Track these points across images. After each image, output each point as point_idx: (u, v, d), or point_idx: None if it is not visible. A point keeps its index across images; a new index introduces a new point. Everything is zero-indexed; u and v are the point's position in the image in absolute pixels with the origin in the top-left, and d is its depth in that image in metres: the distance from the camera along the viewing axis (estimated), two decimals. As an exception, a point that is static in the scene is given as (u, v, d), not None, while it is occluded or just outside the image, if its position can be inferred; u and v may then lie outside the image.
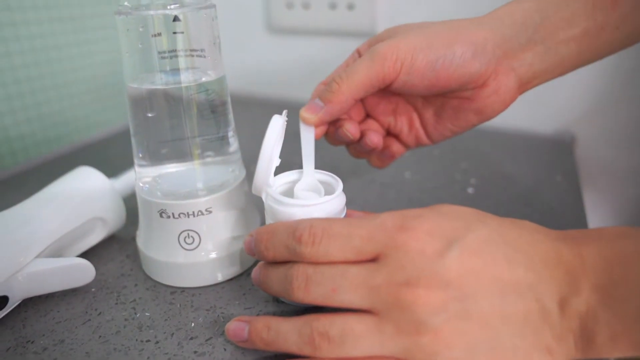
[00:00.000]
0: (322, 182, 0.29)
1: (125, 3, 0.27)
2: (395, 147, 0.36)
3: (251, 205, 0.34)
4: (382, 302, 0.21)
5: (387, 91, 0.32)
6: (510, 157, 0.50)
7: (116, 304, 0.30)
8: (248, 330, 0.24)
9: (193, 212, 0.29)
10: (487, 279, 0.21)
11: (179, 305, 0.29)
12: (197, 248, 0.30)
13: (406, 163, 0.49)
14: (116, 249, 0.35)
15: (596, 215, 0.59)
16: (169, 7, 0.26)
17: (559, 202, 0.41)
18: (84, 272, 0.30)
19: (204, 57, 0.28)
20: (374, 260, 0.22)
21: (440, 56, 0.29)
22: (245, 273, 0.32)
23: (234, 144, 0.32)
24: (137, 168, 0.31)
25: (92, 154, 0.55)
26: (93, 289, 0.31)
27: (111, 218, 0.34)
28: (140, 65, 0.28)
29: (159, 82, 0.28)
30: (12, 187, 0.46)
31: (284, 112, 0.28)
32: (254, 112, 0.67)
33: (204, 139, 0.30)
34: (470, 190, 0.43)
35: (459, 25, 0.30)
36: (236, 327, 0.25)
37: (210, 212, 0.30)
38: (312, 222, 0.23)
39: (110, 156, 0.54)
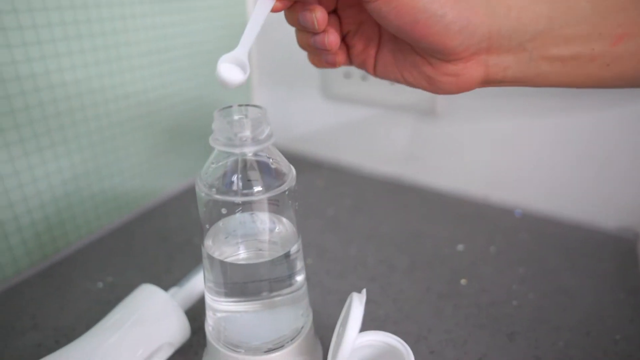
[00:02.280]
0: (386, 343, 0.29)
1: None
2: (341, 57, 0.35)
3: (316, 341, 0.35)
4: None
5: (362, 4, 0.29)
6: (569, 263, 0.49)
7: None
8: None
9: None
10: None
11: None
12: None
13: (462, 265, 0.48)
14: (180, 366, 0.37)
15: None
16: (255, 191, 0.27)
17: (622, 331, 0.40)
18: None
19: (286, 230, 0.29)
20: None
21: (428, 11, 0.27)
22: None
23: (302, 287, 0.33)
24: (206, 294, 0.32)
25: (150, 225, 0.57)
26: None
27: (177, 340, 0.36)
28: (222, 236, 0.29)
29: (241, 257, 0.28)
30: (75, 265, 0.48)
31: (363, 291, 0.28)
32: (304, 171, 0.68)
33: (276, 281, 0.30)
34: (527, 310, 0.42)
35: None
36: None
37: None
38: None
39: (169, 228, 0.55)
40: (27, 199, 0.47)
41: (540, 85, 0.31)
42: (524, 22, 0.28)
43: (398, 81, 0.34)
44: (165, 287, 0.46)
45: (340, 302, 0.37)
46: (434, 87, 0.32)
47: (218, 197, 0.26)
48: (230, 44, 0.27)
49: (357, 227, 0.56)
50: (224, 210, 0.27)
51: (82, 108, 0.49)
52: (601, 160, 0.54)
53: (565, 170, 0.56)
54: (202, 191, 0.27)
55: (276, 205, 0.28)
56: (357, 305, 0.27)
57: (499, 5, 0.28)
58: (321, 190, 0.65)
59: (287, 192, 0.28)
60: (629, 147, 0.52)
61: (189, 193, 0.65)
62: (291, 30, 0.34)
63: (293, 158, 0.73)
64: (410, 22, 0.28)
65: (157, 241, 0.53)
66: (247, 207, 0.27)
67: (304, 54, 0.36)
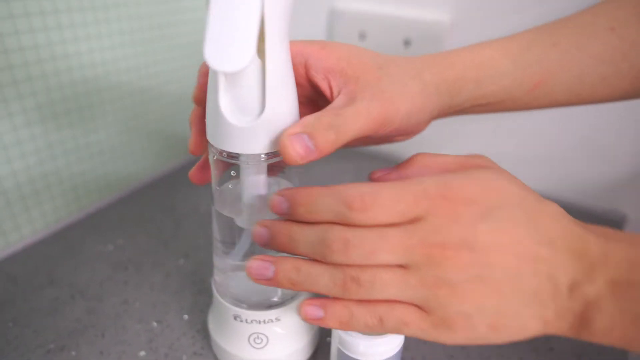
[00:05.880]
0: None
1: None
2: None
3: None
4: (413, 258, 0.24)
5: None
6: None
7: (191, 387, 0.34)
8: (274, 270, 0.26)
9: (264, 320, 0.33)
10: (510, 254, 0.24)
11: (245, 396, 0.33)
12: (265, 347, 0.33)
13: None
14: (186, 322, 0.40)
15: None
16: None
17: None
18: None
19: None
20: (411, 222, 0.24)
21: (412, 124, 0.31)
22: (303, 366, 0.36)
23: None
24: (214, 254, 0.34)
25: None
26: (170, 367, 0.35)
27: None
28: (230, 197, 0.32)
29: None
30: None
31: None
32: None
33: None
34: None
35: (424, 89, 0.32)
36: (259, 265, 0.26)
37: (279, 320, 0.33)
38: (361, 189, 0.24)
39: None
40: (43, 163, 0.49)
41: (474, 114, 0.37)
42: (458, 92, 0.33)
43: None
44: (173, 253, 0.49)
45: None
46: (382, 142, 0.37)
47: (225, 158, 0.28)
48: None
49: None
50: (232, 173, 0.29)
51: (111, 91, 0.51)
52: (590, 144, 0.56)
53: (555, 154, 0.58)
54: (212, 153, 0.29)
55: (283, 172, 0.30)
56: None
57: (439, 83, 0.32)
58: (322, 165, 0.67)
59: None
60: (617, 131, 0.54)
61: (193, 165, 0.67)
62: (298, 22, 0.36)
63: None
64: (400, 138, 0.34)
65: (164, 209, 0.56)
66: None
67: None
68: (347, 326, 0.26)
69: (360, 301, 0.25)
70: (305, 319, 0.27)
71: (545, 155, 0.59)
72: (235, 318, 0.33)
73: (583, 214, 0.57)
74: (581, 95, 0.35)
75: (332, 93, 0.30)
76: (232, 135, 0.26)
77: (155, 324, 0.39)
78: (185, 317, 0.40)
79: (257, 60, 0.25)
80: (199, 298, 0.42)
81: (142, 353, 0.36)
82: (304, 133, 0.25)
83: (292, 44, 0.29)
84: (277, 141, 0.26)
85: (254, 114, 0.26)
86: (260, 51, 0.24)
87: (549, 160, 0.59)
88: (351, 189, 0.24)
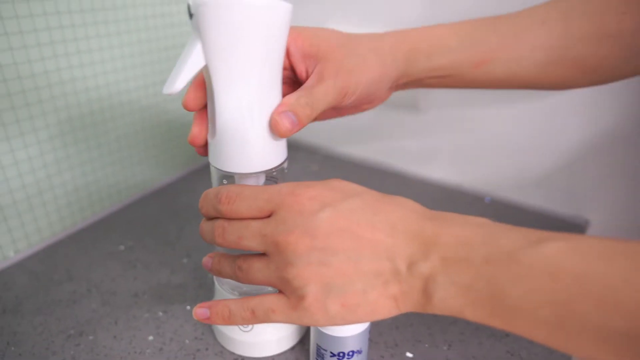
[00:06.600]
0: None
1: None
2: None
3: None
4: (268, 247, 0.28)
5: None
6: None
7: (192, 366, 0.39)
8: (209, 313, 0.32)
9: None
10: (349, 238, 0.27)
11: (239, 373, 0.39)
12: (251, 332, 0.39)
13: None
14: (189, 312, 0.45)
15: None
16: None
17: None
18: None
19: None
20: (268, 216, 0.29)
21: (373, 92, 0.38)
22: (290, 349, 0.41)
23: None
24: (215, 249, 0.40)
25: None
26: (175, 349, 0.41)
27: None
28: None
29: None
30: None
31: None
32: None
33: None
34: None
35: (382, 60, 0.37)
36: (200, 311, 0.33)
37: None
38: (229, 188, 0.31)
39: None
40: (62, 173, 0.55)
41: (429, 87, 0.42)
42: (413, 61, 0.39)
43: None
44: (177, 253, 0.54)
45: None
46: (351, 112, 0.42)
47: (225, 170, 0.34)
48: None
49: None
50: (224, 181, 0.35)
51: (122, 113, 0.57)
52: (558, 153, 0.62)
53: (527, 163, 0.64)
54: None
55: (273, 181, 0.36)
56: None
57: (395, 53, 0.38)
58: (315, 174, 0.73)
59: (285, 169, 0.36)
60: (584, 141, 0.59)
61: (196, 174, 0.73)
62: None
63: (292, 145, 0.81)
64: (366, 107, 0.41)
65: (168, 214, 0.61)
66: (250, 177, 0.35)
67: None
68: (229, 321, 0.31)
69: (237, 300, 0.31)
70: (198, 319, 0.33)
71: (511, 162, 0.65)
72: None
73: (548, 218, 0.62)
74: (520, 77, 0.40)
75: (307, 74, 0.36)
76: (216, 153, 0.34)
77: (161, 313, 0.45)
78: (188, 307, 0.46)
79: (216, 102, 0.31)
80: (200, 291, 0.48)
81: (151, 337, 0.42)
82: (289, 111, 0.32)
83: None
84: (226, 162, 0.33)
85: (212, 136, 0.33)
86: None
87: (520, 170, 0.65)
88: (224, 188, 0.31)
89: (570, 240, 0.23)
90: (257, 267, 0.30)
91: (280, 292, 0.29)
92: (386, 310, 0.27)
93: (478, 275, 0.24)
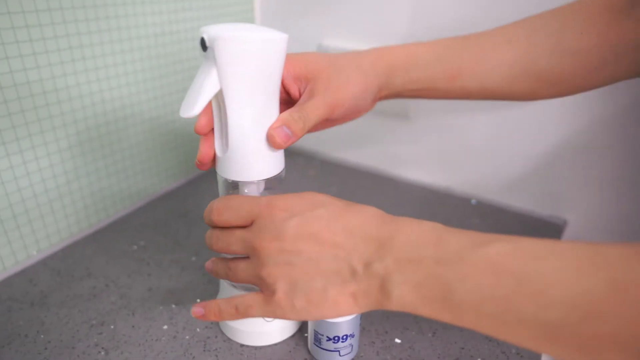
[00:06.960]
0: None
1: None
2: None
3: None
4: (249, 250, 0.33)
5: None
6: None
7: (204, 350, 0.44)
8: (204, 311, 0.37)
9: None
10: (312, 242, 0.30)
11: (246, 356, 0.43)
12: (257, 323, 0.44)
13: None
14: (200, 304, 0.50)
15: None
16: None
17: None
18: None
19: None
20: (250, 224, 0.34)
21: (359, 104, 0.42)
22: (290, 337, 0.46)
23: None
24: None
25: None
26: (187, 337, 0.46)
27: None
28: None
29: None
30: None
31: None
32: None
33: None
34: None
35: (365, 76, 0.42)
36: (196, 310, 0.37)
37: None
38: (219, 201, 0.35)
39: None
40: (79, 179, 0.60)
41: (409, 98, 0.46)
42: (393, 74, 0.43)
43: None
44: (186, 252, 0.59)
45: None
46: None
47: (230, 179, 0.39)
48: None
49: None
50: (230, 191, 0.40)
51: (126, 122, 0.62)
52: (537, 157, 0.66)
53: (509, 166, 0.69)
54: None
55: (272, 190, 0.41)
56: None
57: (377, 67, 0.42)
58: (312, 179, 0.78)
59: (283, 177, 0.41)
60: (561, 145, 0.64)
61: (201, 179, 0.78)
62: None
63: (292, 151, 0.86)
64: (354, 116, 0.44)
65: (178, 216, 0.66)
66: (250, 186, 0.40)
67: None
68: (219, 317, 0.36)
69: (224, 299, 0.35)
70: (195, 317, 0.37)
71: (494, 166, 0.70)
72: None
73: (529, 219, 0.67)
74: (490, 89, 0.44)
75: (300, 94, 0.41)
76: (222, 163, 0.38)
77: (174, 305, 0.50)
78: (198, 300, 0.50)
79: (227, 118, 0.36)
80: (208, 286, 0.52)
81: (165, 327, 0.47)
82: (284, 125, 0.36)
83: None
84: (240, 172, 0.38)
85: (223, 152, 0.38)
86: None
87: (504, 174, 0.70)
88: (215, 202, 0.36)
89: (512, 242, 0.26)
90: (242, 268, 0.35)
91: (260, 290, 0.34)
92: (346, 307, 0.30)
93: (429, 274, 0.27)
